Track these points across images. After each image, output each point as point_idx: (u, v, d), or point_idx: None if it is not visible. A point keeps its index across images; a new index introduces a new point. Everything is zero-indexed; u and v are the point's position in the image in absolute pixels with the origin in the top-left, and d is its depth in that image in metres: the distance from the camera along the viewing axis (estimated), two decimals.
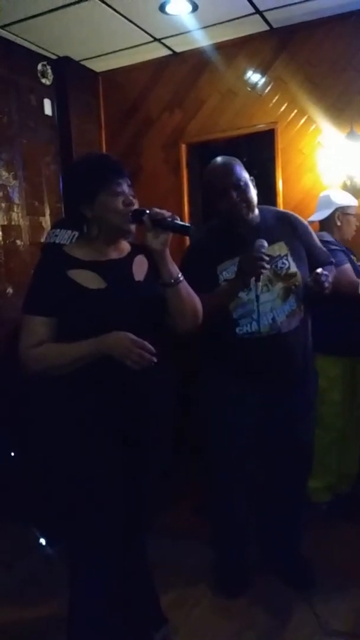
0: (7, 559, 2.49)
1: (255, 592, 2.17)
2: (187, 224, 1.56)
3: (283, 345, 1.99)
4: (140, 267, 1.65)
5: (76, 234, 1.90)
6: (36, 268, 1.62)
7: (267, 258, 1.84)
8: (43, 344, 1.53)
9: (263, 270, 1.83)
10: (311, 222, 2.65)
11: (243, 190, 1.95)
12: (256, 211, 2.03)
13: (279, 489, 2.20)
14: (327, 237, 2.54)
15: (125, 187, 1.57)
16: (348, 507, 2.70)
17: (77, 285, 1.53)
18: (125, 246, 1.68)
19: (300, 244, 2.06)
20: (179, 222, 1.54)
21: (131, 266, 1.64)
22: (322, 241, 2.30)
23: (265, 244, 1.88)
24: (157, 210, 1.52)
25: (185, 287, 1.62)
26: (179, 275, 1.59)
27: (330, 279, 1.97)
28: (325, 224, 2.67)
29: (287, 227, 2.06)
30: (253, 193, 1.99)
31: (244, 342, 1.98)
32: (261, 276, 1.86)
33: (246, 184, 1.96)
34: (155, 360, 1.45)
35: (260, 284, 1.87)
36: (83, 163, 1.68)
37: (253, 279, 1.86)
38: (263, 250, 1.85)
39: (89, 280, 1.54)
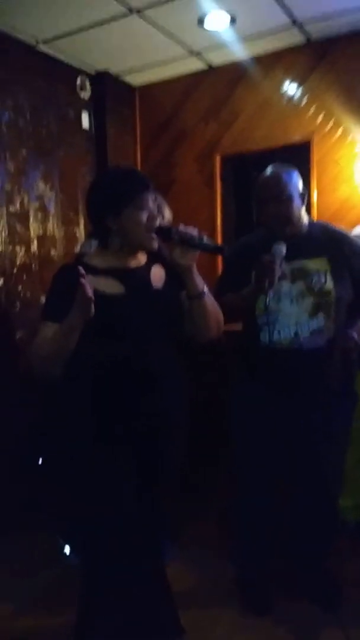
0: (30, 567, 2.49)
1: (281, 610, 2.10)
2: (219, 245, 1.59)
3: (305, 363, 1.94)
4: (157, 276, 1.68)
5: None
6: (54, 276, 1.65)
7: (277, 262, 1.80)
8: None
9: (275, 275, 1.79)
10: (356, 236, 2.60)
11: (282, 203, 1.93)
12: (301, 225, 2.00)
13: (306, 506, 2.13)
14: None
15: (150, 202, 1.60)
16: None
17: (95, 290, 1.53)
18: (143, 256, 1.70)
19: (345, 264, 1.99)
20: (208, 242, 1.57)
21: (149, 274, 1.67)
22: None
23: (283, 249, 1.84)
24: (185, 228, 1.54)
25: (210, 299, 1.66)
26: (205, 287, 1.63)
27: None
28: None
29: (334, 246, 2.00)
30: (295, 207, 1.95)
31: (267, 350, 1.96)
32: (275, 283, 1.81)
33: (289, 197, 1.93)
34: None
35: (271, 292, 1.82)
36: (111, 176, 1.72)
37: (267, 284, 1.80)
38: (277, 255, 1.81)
39: (108, 286, 1.57)
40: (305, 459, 2.05)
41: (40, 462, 2.78)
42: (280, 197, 1.93)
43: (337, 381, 2.01)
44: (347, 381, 2.07)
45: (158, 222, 1.61)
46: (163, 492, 1.74)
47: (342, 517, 2.53)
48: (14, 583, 2.39)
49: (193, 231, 1.55)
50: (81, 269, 1.43)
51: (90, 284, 1.43)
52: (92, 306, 1.43)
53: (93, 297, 1.42)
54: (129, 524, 1.61)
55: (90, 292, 1.41)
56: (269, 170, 2.01)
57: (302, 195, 1.98)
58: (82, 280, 1.41)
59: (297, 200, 1.95)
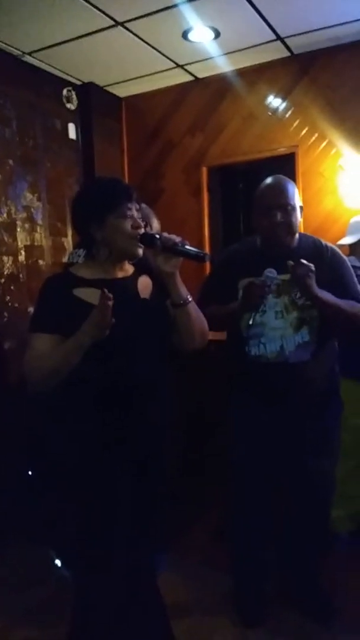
0: (21, 582, 2.47)
1: (275, 622, 2.11)
2: (201, 252, 1.61)
3: (291, 375, 1.97)
4: (144, 287, 1.69)
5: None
6: (41, 288, 1.64)
7: (267, 289, 1.83)
8: None
9: (264, 299, 1.83)
10: (340, 246, 2.64)
11: (288, 213, 1.95)
12: (296, 237, 2.02)
13: (299, 518, 2.15)
14: (355, 262, 2.50)
15: (134, 211, 1.62)
16: None
17: (83, 302, 1.54)
18: (130, 267, 1.72)
19: (330, 277, 1.99)
20: (191, 248, 1.59)
21: (136, 285, 1.68)
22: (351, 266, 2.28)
23: (275, 273, 1.87)
24: (168, 235, 1.58)
25: (194, 308, 1.67)
26: (188, 296, 1.65)
27: (312, 273, 1.86)
28: (355, 248, 2.65)
29: (319, 259, 2.00)
30: (296, 218, 1.98)
31: (255, 363, 2.00)
32: (261, 305, 1.86)
33: (293, 208, 1.96)
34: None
35: (256, 313, 1.86)
36: (94, 186, 1.74)
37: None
38: (268, 281, 1.84)
39: (96, 297, 1.54)
40: (297, 468, 2.06)
41: (30, 473, 2.76)
42: (286, 206, 1.95)
43: (323, 389, 2.04)
44: (333, 388, 2.09)
45: (142, 230, 1.62)
46: (155, 503, 1.73)
47: (334, 528, 2.56)
48: (7, 597, 2.37)
49: (176, 238, 1.58)
50: (106, 292, 1.43)
51: (108, 306, 1.43)
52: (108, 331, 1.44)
53: (113, 321, 1.43)
54: (122, 536, 1.60)
55: (111, 318, 1.42)
56: (271, 179, 2.03)
57: (300, 208, 2.02)
58: (108, 303, 1.42)
59: (298, 212, 1.99)
